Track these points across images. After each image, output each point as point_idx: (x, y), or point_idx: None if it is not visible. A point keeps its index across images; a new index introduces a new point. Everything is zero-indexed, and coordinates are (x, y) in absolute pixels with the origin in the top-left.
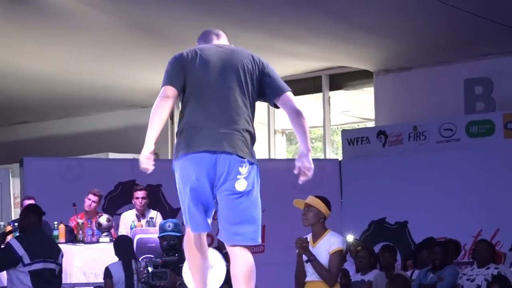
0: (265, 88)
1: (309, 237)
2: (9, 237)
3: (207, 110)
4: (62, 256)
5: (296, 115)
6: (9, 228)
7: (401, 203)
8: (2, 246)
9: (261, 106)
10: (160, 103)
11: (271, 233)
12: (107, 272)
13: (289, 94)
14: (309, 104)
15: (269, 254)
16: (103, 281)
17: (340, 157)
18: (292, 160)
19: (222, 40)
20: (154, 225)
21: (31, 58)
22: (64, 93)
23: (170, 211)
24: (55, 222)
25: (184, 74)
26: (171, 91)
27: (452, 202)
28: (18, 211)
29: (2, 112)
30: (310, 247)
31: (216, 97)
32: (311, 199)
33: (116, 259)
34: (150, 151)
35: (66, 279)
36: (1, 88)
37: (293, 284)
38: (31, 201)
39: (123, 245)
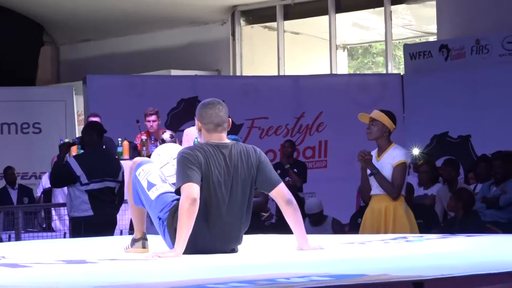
0: (260, 181)
1: (375, 151)
2: (73, 149)
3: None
4: (123, 173)
5: (289, 206)
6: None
7: (464, 117)
8: (64, 161)
9: (323, 21)
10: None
11: (333, 148)
12: None
13: (282, 186)
14: (370, 19)
15: (331, 169)
16: None
17: (402, 72)
18: (354, 75)
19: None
20: None
21: None
22: (127, 10)
23: (232, 126)
24: (119, 139)
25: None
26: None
27: None
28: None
29: (65, 30)
30: (375, 161)
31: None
32: (376, 113)
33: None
34: (179, 256)
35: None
36: (64, 6)
37: (355, 198)
38: (97, 119)
39: None
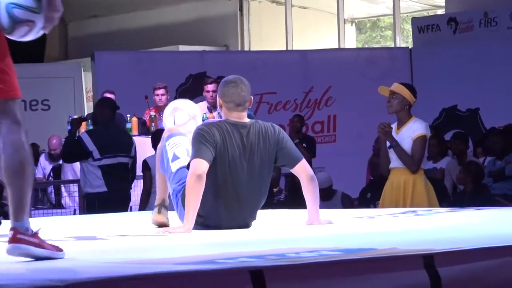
0: (283, 158)
1: (394, 124)
2: (83, 125)
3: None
4: (135, 148)
5: (312, 182)
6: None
7: (473, 90)
8: (76, 136)
9: None
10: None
11: (341, 122)
12: (145, 165)
13: (304, 162)
14: None
15: (340, 143)
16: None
17: (410, 45)
18: (362, 49)
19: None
20: None
21: None
22: None
23: None
24: (128, 115)
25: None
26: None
27: None
28: (91, 105)
29: (72, 6)
30: (394, 134)
31: None
32: (396, 86)
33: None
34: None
35: (140, 171)
36: None
37: (364, 172)
38: (112, 95)
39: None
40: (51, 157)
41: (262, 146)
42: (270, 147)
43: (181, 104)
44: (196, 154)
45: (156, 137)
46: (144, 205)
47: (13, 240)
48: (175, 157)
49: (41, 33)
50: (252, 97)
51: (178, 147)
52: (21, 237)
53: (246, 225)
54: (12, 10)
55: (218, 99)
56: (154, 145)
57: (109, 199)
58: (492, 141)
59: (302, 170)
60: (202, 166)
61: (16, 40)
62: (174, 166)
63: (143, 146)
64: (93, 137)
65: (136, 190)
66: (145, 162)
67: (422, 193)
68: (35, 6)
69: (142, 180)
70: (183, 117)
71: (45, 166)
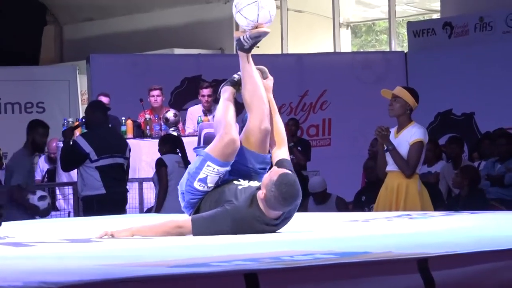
0: None
1: (394, 128)
2: (77, 132)
3: None
4: (130, 150)
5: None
6: (77, 123)
7: (468, 95)
8: (70, 143)
9: None
10: None
11: (336, 126)
12: (161, 162)
13: None
14: None
15: (335, 147)
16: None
17: (405, 49)
18: (357, 53)
19: None
20: None
21: None
22: None
23: (237, 105)
24: (123, 118)
25: None
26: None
27: None
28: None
29: (68, 9)
30: (393, 137)
31: None
32: (399, 90)
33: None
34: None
35: (134, 174)
36: None
37: (359, 175)
38: (106, 98)
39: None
40: (51, 160)
41: None
42: None
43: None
44: (198, 224)
45: (165, 142)
46: (161, 204)
47: None
48: (203, 181)
49: None
50: None
51: (212, 176)
52: None
53: None
54: None
55: (263, 190)
56: (161, 150)
57: (107, 201)
58: (497, 143)
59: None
60: (188, 230)
61: (10, 43)
62: (197, 185)
63: (137, 149)
64: (88, 139)
65: (131, 192)
66: (161, 160)
67: (415, 198)
68: None
69: (136, 183)
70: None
71: (43, 168)
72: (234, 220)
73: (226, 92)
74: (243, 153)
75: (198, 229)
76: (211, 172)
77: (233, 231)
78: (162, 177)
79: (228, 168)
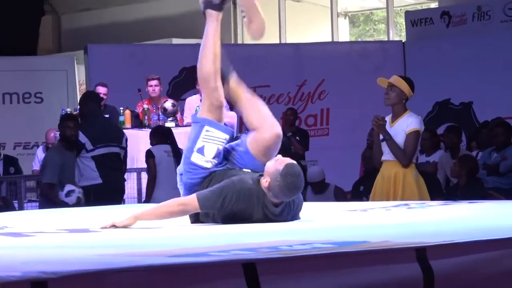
0: None
1: (389, 117)
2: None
3: None
4: (126, 140)
5: None
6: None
7: (466, 84)
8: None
9: None
10: None
11: (334, 115)
12: (149, 153)
13: None
14: None
15: (333, 136)
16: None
17: (403, 39)
18: (355, 42)
19: None
20: None
21: None
22: None
23: None
24: (121, 108)
25: None
26: None
27: None
28: None
29: None
30: (388, 127)
31: None
32: (395, 79)
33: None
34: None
35: (133, 164)
36: None
37: (357, 165)
38: (104, 88)
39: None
40: None
41: None
42: None
43: None
44: (204, 196)
45: (155, 134)
46: (150, 194)
47: None
48: (201, 151)
49: None
50: None
51: (210, 144)
52: None
53: None
54: None
55: (267, 178)
56: (152, 142)
57: (104, 191)
58: (495, 132)
59: None
60: (193, 207)
61: (7, 33)
62: (194, 157)
63: (135, 139)
64: (83, 130)
65: (129, 183)
66: (149, 151)
67: (412, 186)
68: None
69: (134, 173)
70: None
71: (41, 158)
72: (240, 191)
73: (212, 20)
74: (250, 161)
75: (205, 203)
76: (209, 139)
77: (238, 205)
78: (151, 168)
79: (227, 136)
